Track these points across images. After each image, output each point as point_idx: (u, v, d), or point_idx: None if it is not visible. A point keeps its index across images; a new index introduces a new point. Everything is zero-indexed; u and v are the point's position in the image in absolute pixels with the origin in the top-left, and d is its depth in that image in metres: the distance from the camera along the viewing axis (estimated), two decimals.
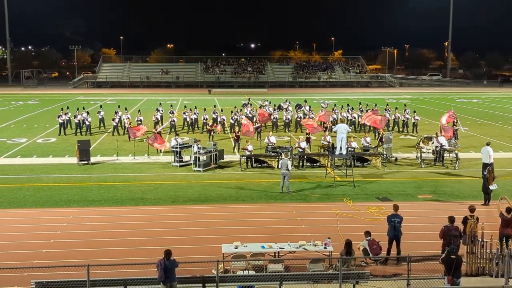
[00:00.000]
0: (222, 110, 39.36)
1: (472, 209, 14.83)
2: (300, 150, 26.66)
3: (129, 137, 31.51)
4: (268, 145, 27.37)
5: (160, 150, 28.76)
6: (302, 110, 40.22)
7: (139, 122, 35.14)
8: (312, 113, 38.29)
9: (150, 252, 15.03)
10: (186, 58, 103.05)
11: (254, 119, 36.25)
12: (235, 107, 39.30)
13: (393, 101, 58.45)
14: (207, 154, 25.81)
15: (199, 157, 25.36)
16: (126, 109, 38.12)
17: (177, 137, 27.24)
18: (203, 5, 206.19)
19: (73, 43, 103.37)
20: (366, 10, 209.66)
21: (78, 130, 36.04)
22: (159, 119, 37.84)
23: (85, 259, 14.23)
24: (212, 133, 31.93)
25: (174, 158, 26.61)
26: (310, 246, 14.24)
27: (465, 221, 14.51)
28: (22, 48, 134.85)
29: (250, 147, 26.32)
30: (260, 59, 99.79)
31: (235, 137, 29.96)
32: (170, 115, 36.74)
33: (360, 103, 46.41)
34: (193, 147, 25.74)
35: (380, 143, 28.20)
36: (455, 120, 32.65)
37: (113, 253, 15.21)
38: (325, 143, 27.63)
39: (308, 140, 28.75)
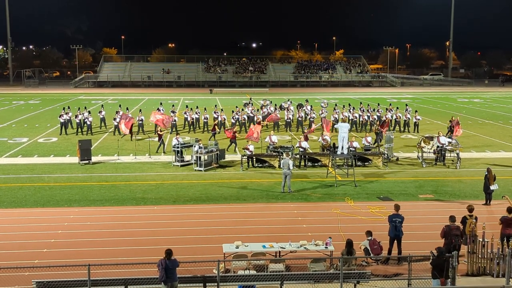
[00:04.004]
0: (222, 109, 39.35)
1: (470, 209, 14.83)
2: (301, 149, 26.66)
3: (131, 133, 31.84)
4: (269, 144, 27.38)
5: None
6: (304, 109, 40.26)
7: (140, 122, 35.46)
8: (314, 113, 38.33)
9: (151, 252, 15.04)
10: (188, 58, 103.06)
11: (255, 118, 36.32)
12: (237, 107, 39.32)
13: (394, 100, 58.39)
14: (209, 154, 25.81)
15: (200, 157, 25.37)
16: (127, 108, 38.14)
17: (178, 136, 27.24)
18: (205, 4, 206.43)
19: (74, 42, 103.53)
20: (368, 9, 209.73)
21: (79, 130, 36.06)
22: None
23: (86, 259, 14.23)
24: (215, 133, 32.17)
25: (175, 157, 26.62)
26: (311, 246, 14.24)
27: (464, 221, 14.51)
28: (23, 48, 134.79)
29: (251, 147, 26.31)
30: (262, 59, 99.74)
31: (232, 136, 29.70)
32: (172, 114, 36.75)
33: (361, 103, 46.37)
34: (194, 146, 25.75)
35: (377, 143, 28.30)
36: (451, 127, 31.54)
37: (114, 253, 15.22)
38: (323, 142, 27.56)
39: (306, 138, 28.77)
